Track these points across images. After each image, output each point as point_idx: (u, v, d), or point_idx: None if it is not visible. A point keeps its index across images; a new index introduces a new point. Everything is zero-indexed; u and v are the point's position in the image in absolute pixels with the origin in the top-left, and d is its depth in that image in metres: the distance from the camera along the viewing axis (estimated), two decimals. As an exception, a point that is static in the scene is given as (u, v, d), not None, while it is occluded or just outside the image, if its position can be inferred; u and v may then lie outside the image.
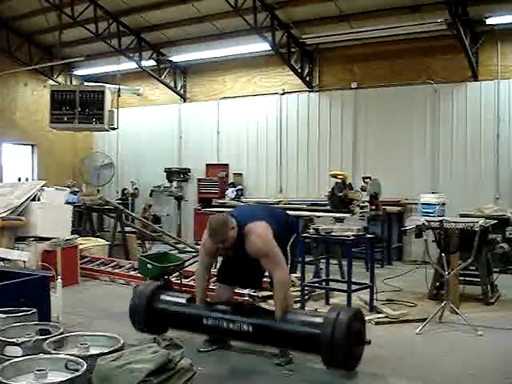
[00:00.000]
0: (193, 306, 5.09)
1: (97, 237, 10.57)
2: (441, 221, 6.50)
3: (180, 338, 4.04)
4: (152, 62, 13.12)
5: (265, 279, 5.33)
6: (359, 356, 4.55)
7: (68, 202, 9.59)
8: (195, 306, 5.08)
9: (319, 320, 4.47)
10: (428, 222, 6.55)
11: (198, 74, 13.52)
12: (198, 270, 5.20)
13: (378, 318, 6.22)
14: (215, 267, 5.84)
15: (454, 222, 6.51)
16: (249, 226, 4.72)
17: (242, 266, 5.03)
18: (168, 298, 5.27)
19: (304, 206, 9.70)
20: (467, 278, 7.05)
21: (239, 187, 12.48)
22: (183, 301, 5.20)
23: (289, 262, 5.00)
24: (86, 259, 8.87)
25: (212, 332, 5.02)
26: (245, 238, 4.69)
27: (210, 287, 5.83)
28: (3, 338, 3.50)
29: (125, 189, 13.79)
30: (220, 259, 5.39)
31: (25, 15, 12.68)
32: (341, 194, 8.42)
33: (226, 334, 4.94)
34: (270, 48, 11.10)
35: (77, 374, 3.04)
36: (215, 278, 5.65)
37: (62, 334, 3.68)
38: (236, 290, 5.70)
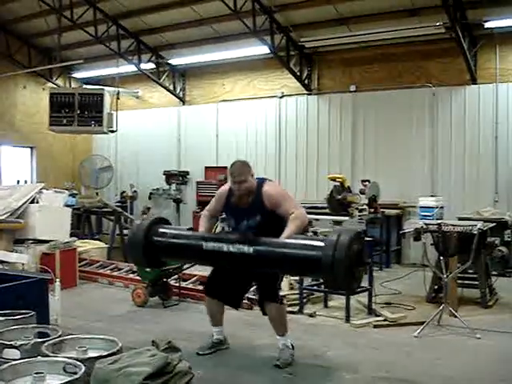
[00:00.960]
0: (192, 234, 5.12)
1: (95, 239, 10.58)
2: (439, 224, 6.51)
3: (178, 341, 4.04)
4: (151, 65, 13.11)
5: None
6: (360, 277, 4.58)
7: (67, 205, 9.59)
8: (194, 233, 5.10)
9: (320, 243, 4.42)
10: (426, 225, 6.56)
11: (197, 77, 13.52)
12: (203, 214, 5.21)
13: (377, 320, 6.23)
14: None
15: (452, 225, 6.51)
16: (264, 183, 4.89)
17: (231, 278, 5.05)
18: (166, 230, 5.22)
19: (303, 209, 9.68)
20: (465, 281, 7.07)
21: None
22: (183, 231, 5.24)
23: None
24: (84, 262, 8.88)
25: (212, 258, 4.87)
26: (261, 190, 4.80)
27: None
28: (1, 341, 3.50)
29: (123, 191, 13.77)
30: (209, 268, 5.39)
31: (24, 18, 12.66)
32: (339, 197, 8.46)
33: (225, 257, 4.77)
34: (269, 51, 11.11)
35: (75, 377, 3.03)
36: (204, 290, 5.60)
37: (60, 336, 3.68)
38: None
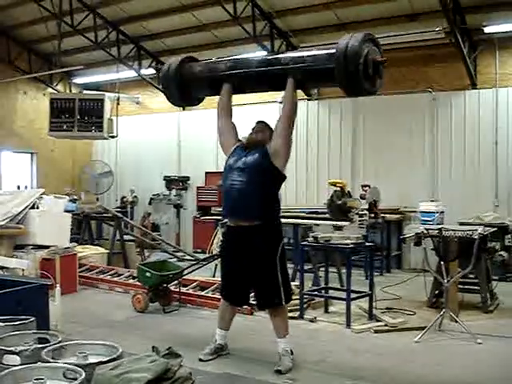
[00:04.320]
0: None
1: (96, 245, 10.56)
2: (440, 229, 6.50)
3: (178, 347, 4.03)
4: (151, 71, 13.13)
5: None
6: (374, 85, 4.69)
7: (67, 210, 9.59)
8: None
9: (332, 50, 4.63)
10: (427, 230, 6.55)
11: (197, 83, 13.52)
12: None
13: (377, 326, 6.21)
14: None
15: (452, 230, 6.50)
16: None
17: (240, 278, 5.11)
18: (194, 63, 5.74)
19: (303, 214, 9.69)
20: (466, 286, 7.06)
21: (238, 195, 12.44)
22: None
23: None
24: (84, 267, 8.85)
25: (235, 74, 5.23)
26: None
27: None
28: (1, 347, 3.48)
29: (124, 197, 13.77)
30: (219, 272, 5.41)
31: (25, 24, 12.72)
32: (340, 202, 8.43)
33: (246, 75, 5.20)
34: (269, 56, 11.12)
35: (75, 382, 3.02)
36: (220, 294, 5.62)
37: (60, 342, 3.66)
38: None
